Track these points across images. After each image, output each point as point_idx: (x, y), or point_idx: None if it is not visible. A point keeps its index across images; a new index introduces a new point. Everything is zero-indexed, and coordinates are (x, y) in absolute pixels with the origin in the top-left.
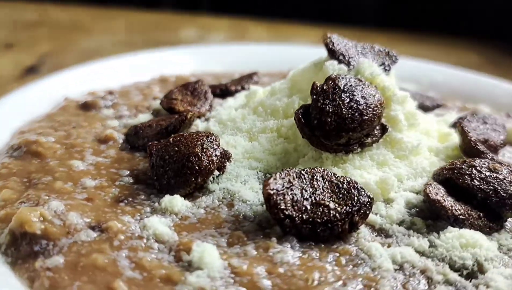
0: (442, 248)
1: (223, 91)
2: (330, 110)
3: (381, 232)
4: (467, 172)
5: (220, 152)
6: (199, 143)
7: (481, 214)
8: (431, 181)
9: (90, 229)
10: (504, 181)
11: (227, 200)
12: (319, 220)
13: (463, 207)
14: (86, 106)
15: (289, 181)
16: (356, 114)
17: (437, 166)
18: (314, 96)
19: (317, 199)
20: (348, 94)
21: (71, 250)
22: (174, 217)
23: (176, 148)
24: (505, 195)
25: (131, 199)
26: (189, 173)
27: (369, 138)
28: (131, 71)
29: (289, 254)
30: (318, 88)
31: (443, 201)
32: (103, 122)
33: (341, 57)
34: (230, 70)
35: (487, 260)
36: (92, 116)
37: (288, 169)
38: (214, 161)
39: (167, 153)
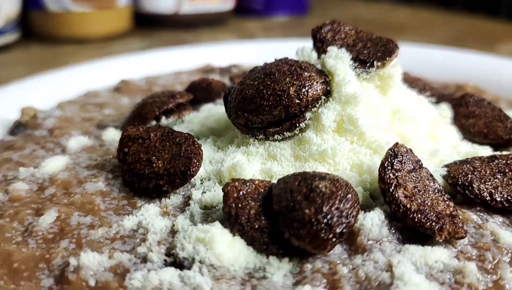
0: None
1: None
2: (238, 88)
3: (179, 209)
4: (288, 180)
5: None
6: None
7: (264, 228)
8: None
9: None
10: (311, 202)
11: None
12: (136, 171)
13: (254, 215)
14: (117, 89)
15: (148, 132)
16: (258, 97)
17: None
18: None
19: (154, 155)
20: (264, 77)
21: None
22: None
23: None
24: (295, 214)
25: None
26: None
27: (272, 128)
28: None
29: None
30: (255, 68)
31: (234, 200)
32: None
33: (319, 44)
34: None
35: (203, 264)
36: (118, 98)
37: (159, 125)
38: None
39: None
